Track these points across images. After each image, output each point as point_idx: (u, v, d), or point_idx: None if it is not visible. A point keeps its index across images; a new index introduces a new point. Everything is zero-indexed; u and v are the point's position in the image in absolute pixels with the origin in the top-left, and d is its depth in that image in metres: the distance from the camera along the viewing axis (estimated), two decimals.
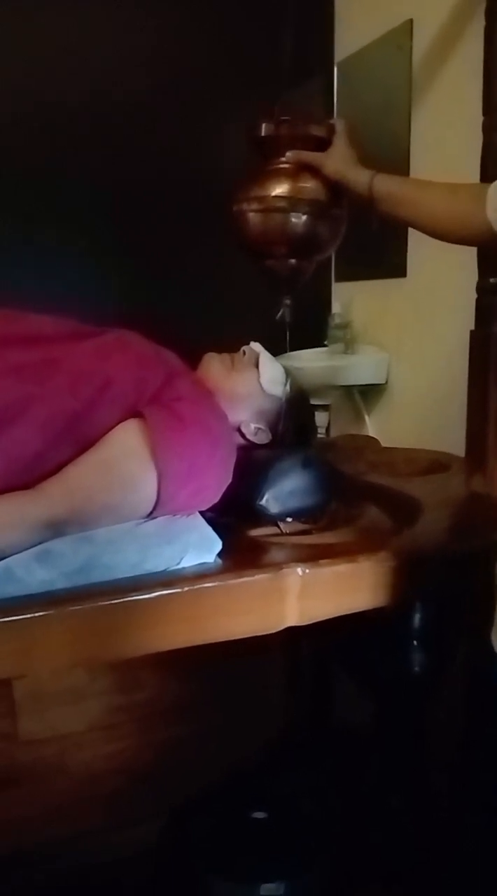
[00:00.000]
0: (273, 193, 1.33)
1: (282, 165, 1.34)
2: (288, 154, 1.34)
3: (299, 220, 1.33)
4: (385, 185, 1.24)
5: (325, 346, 2.77)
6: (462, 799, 1.18)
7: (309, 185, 1.33)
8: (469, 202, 1.11)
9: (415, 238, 2.33)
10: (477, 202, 1.09)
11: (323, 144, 1.33)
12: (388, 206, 1.24)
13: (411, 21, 2.30)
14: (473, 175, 1.81)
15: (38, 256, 2.42)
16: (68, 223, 2.46)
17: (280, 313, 1.48)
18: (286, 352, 1.35)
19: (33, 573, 0.96)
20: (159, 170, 2.56)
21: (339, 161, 1.30)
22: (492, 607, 0.98)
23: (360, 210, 1.30)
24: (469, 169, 1.83)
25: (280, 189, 1.33)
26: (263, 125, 1.36)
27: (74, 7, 2.47)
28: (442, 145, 2.20)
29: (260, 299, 1.49)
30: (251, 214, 1.36)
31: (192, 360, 1.30)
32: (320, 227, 1.36)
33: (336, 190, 1.32)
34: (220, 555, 1.08)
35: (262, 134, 1.37)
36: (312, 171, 1.32)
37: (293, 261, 1.40)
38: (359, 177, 1.27)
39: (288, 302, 1.47)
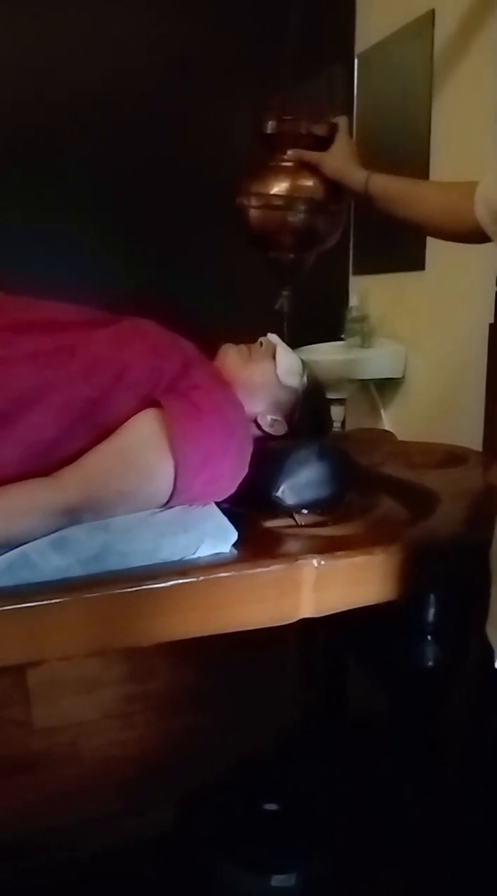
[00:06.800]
0: (272, 191, 1.38)
1: (283, 163, 1.38)
2: (289, 152, 1.37)
3: (297, 217, 1.37)
4: (380, 184, 1.27)
5: (342, 339, 2.76)
6: (471, 790, 1.18)
7: (308, 183, 1.36)
8: (459, 200, 1.14)
9: None
10: (463, 199, 1.12)
11: (325, 142, 1.36)
12: (384, 204, 1.27)
13: (433, 11, 2.28)
14: (494, 165, 1.80)
15: (48, 245, 2.42)
16: (75, 211, 2.45)
17: (279, 304, 1.53)
18: (287, 344, 1.37)
19: (49, 559, 0.96)
20: (168, 157, 2.55)
21: (338, 160, 1.33)
22: (488, 601, 0.98)
23: (361, 207, 1.32)
24: (490, 159, 1.82)
25: (279, 187, 1.38)
26: (268, 123, 1.39)
27: None
28: (463, 135, 2.18)
29: (270, 291, 1.51)
30: (252, 209, 1.40)
31: (204, 349, 1.30)
32: (318, 223, 1.40)
33: (335, 187, 1.35)
34: (235, 545, 1.08)
35: (267, 131, 1.40)
36: (312, 169, 1.35)
37: (292, 254, 1.45)
38: (355, 176, 1.30)
39: (286, 293, 1.52)
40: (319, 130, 1.37)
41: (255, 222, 1.41)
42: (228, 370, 1.28)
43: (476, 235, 1.12)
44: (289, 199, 1.37)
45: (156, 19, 2.55)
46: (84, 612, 0.94)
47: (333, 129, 1.36)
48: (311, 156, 1.35)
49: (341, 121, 1.37)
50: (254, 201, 1.39)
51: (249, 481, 1.15)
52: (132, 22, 2.53)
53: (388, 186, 1.26)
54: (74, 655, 1.08)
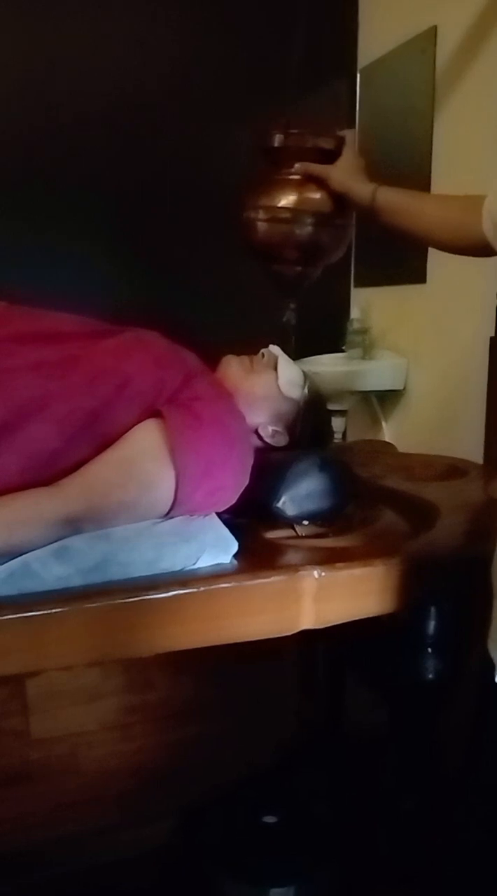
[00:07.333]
0: (279, 204, 1.38)
1: (290, 176, 1.38)
2: (296, 166, 1.37)
3: (303, 230, 1.37)
4: (385, 197, 1.27)
5: (343, 351, 2.76)
6: (471, 803, 1.17)
7: (315, 196, 1.36)
8: (461, 214, 1.14)
9: None
10: (469, 214, 1.11)
11: (332, 156, 1.36)
12: (389, 217, 1.26)
13: (435, 28, 2.30)
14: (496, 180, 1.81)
15: (52, 257, 2.43)
16: (79, 223, 2.47)
17: (285, 317, 1.53)
18: (292, 356, 1.37)
19: (50, 569, 0.96)
20: (171, 171, 2.56)
21: (344, 173, 1.33)
22: (489, 616, 0.98)
23: (365, 220, 1.33)
24: (491, 174, 1.83)
25: (286, 200, 1.37)
26: (275, 136, 1.39)
27: (85, 8, 2.48)
28: (464, 151, 2.20)
29: (273, 303, 1.52)
30: (259, 223, 1.40)
31: (207, 360, 1.30)
32: (324, 236, 1.40)
33: (341, 200, 1.35)
34: (236, 556, 1.08)
35: (274, 145, 1.40)
36: (319, 182, 1.35)
37: (298, 267, 1.45)
38: (362, 189, 1.29)
39: (293, 306, 1.52)
40: (325, 144, 1.37)
41: (263, 235, 1.40)
42: (230, 381, 1.29)
43: (482, 249, 1.11)
44: (296, 212, 1.36)
45: (159, 33, 2.57)
46: (84, 622, 0.94)
47: (340, 142, 1.36)
48: (318, 169, 1.34)
49: (348, 134, 1.37)
50: (261, 214, 1.39)
51: (250, 492, 1.15)
52: (136, 36, 2.55)
53: (393, 200, 1.26)
54: (74, 665, 1.08)
